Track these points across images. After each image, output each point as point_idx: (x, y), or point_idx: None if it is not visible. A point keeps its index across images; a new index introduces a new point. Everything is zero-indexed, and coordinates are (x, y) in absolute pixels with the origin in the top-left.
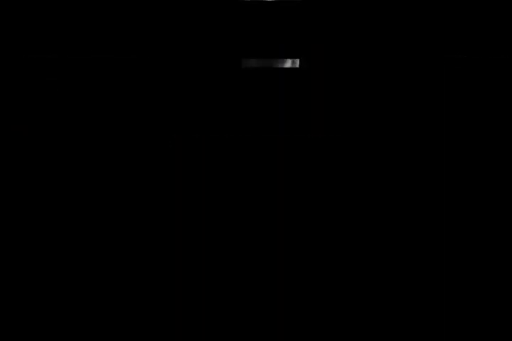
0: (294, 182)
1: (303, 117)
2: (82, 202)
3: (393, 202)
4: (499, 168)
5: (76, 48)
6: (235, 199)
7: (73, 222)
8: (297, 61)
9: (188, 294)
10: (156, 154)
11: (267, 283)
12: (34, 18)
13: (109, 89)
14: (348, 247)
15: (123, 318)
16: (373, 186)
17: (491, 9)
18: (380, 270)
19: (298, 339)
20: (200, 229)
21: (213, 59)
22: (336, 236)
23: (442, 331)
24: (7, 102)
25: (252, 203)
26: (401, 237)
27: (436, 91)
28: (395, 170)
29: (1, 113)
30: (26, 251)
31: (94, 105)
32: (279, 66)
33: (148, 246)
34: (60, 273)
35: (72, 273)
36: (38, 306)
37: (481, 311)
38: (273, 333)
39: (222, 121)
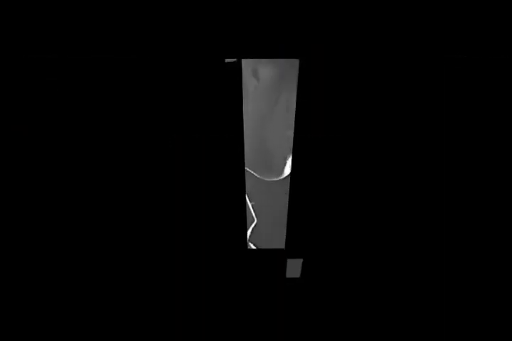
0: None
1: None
2: (83, 201)
3: (393, 201)
4: (498, 166)
5: (76, 48)
6: (234, 198)
7: (74, 221)
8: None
9: (187, 294)
10: (156, 154)
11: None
12: (34, 18)
13: (110, 89)
14: (346, 242)
15: (123, 317)
16: (373, 185)
17: (490, 9)
18: (380, 274)
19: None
20: (200, 226)
21: (213, 59)
22: (335, 232)
23: (442, 331)
24: (7, 102)
25: (253, 202)
26: (399, 236)
27: (436, 91)
28: (395, 170)
29: (1, 113)
30: (27, 249)
31: (93, 105)
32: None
33: (148, 243)
34: (61, 272)
35: (73, 271)
36: (38, 305)
37: (481, 310)
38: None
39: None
